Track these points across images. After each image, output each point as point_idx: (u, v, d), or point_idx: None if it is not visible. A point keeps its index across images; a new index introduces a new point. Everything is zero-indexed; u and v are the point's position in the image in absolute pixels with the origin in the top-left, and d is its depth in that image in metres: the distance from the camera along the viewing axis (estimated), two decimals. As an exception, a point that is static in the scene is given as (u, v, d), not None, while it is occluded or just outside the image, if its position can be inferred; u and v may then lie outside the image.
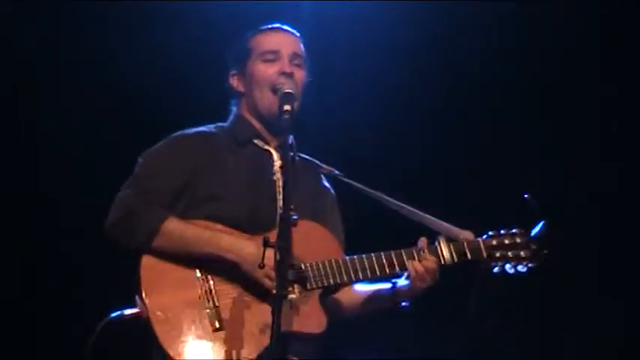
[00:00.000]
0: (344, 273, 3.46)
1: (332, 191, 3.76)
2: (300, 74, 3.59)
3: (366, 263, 3.48)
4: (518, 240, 3.56)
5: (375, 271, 3.48)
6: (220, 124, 3.70)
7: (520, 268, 3.55)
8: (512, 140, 5.20)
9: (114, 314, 3.49)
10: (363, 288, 3.65)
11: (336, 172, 3.71)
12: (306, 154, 3.69)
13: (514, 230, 3.59)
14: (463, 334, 3.61)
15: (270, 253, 3.14)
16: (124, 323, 3.46)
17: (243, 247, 3.39)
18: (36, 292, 5.26)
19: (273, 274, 3.15)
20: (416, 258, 3.49)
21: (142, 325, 3.42)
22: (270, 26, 3.68)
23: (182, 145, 3.59)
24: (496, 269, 3.56)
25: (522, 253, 3.55)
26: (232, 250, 3.40)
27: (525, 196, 3.48)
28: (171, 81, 5.21)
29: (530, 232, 3.56)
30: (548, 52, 5.16)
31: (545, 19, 5.11)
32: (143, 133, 5.23)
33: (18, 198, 5.28)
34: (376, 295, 3.62)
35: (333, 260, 3.47)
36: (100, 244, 3.59)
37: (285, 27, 3.69)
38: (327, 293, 3.54)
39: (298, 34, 3.69)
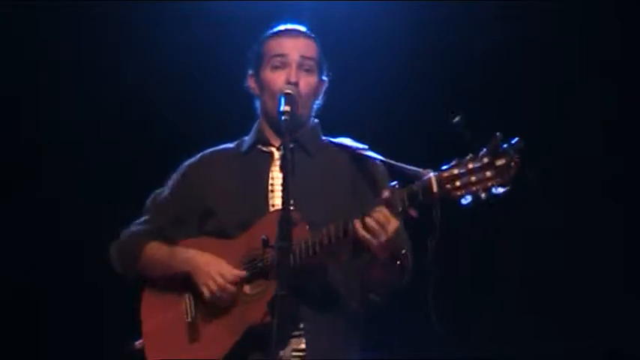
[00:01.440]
0: (301, 252, 3.28)
1: (367, 167, 3.61)
2: (309, 80, 3.55)
3: (316, 236, 3.29)
4: (485, 161, 3.11)
5: (323, 241, 3.27)
6: (245, 137, 3.71)
7: (493, 190, 3.09)
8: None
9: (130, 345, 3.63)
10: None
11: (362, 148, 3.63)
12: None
13: (481, 152, 3.14)
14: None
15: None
16: (135, 353, 3.59)
17: (198, 258, 3.46)
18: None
19: (218, 278, 3.33)
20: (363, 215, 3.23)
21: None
22: (281, 29, 3.65)
23: (180, 178, 3.67)
24: (464, 201, 3.14)
25: (488, 173, 3.10)
26: (187, 264, 3.47)
27: (455, 119, 3.12)
28: (172, 81, 5.22)
29: (496, 149, 3.11)
30: (548, 51, 5.16)
31: (546, 18, 5.11)
32: (144, 134, 5.30)
33: (19, 199, 5.30)
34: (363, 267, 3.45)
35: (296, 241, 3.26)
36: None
37: (298, 28, 3.65)
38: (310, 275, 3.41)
39: (310, 35, 3.65)
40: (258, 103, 3.68)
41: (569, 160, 5.13)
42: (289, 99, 3.39)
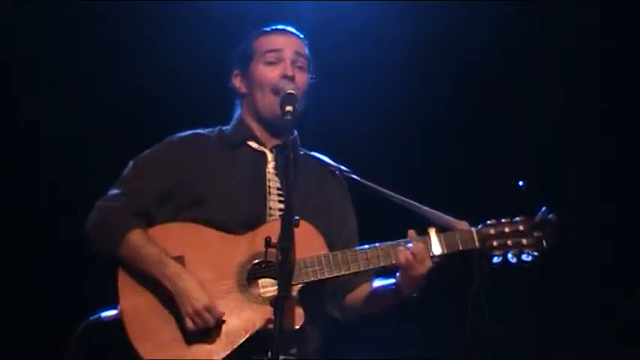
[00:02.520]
0: (325, 269, 3.39)
1: (340, 184, 3.70)
2: (302, 77, 3.57)
3: (348, 257, 3.41)
4: (521, 228, 3.41)
5: (358, 264, 3.40)
6: (223, 127, 3.69)
7: (524, 257, 3.40)
8: (513, 138, 5.20)
9: (93, 317, 3.53)
10: (371, 286, 3.61)
11: (343, 168, 3.68)
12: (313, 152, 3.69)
13: (516, 218, 3.44)
14: (464, 333, 3.47)
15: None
16: (103, 326, 3.50)
17: (180, 281, 3.39)
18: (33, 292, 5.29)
19: (205, 315, 3.31)
20: (402, 247, 3.39)
21: (119, 327, 3.45)
22: (273, 27, 3.66)
23: (170, 150, 3.60)
24: (496, 259, 3.41)
25: (525, 241, 3.40)
26: (171, 281, 3.39)
27: (520, 183, 3.37)
28: (171, 81, 5.21)
29: (533, 219, 3.42)
30: (548, 50, 5.16)
31: (546, 17, 5.10)
32: (143, 133, 5.29)
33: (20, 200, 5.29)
34: (381, 291, 3.55)
35: (315, 257, 3.40)
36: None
37: (289, 28, 3.67)
38: (317, 289, 3.48)
39: (302, 36, 3.66)
40: (241, 102, 3.65)
41: (569, 161, 5.14)
42: (292, 99, 3.38)
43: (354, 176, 3.65)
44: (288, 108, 3.34)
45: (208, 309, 3.34)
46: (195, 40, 5.18)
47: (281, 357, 3.23)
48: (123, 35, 5.19)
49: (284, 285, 2.97)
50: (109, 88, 5.21)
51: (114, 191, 3.55)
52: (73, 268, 5.18)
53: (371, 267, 3.42)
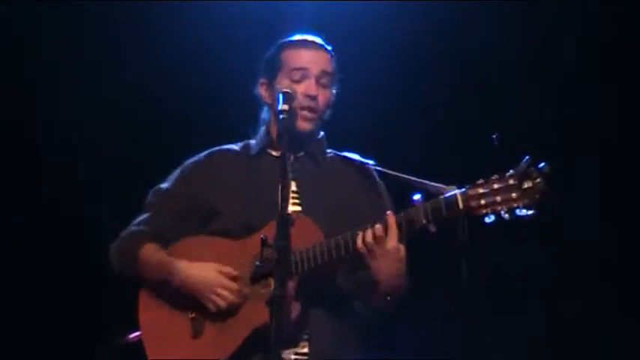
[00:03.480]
0: (311, 259, 3.32)
1: (368, 178, 3.65)
2: (326, 94, 3.58)
3: (324, 246, 3.33)
4: (511, 182, 3.17)
5: (332, 252, 3.32)
6: (251, 140, 3.72)
7: (517, 212, 3.15)
8: (513, 137, 5.18)
9: (118, 338, 3.79)
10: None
11: (366, 162, 3.65)
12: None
13: (508, 173, 3.19)
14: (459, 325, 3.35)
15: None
16: (128, 346, 3.69)
17: (187, 271, 3.46)
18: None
19: (223, 293, 3.36)
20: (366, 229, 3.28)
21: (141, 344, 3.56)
22: (302, 39, 3.63)
23: (187, 174, 3.66)
24: (488, 219, 3.18)
25: (514, 195, 3.15)
26: (178, 277, 3.47)
27: (493, 136, 3.17)
28: (171, 81, 5.21)
29: (519, 170, 3.17)
30: (548, 50, 5.16)
31: (546, 17, 5.10)
32: (144, 134, 5.30)
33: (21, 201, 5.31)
34: (364, 284, 3.48)
35: (304, 248, 3.34)
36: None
37: (317, 41, 3.63)
38: (323, 283, 3.45)
39: (328, 48, 3.64)
40: (266, 111, 3.68)
41: (567, 161, 5.12)
42: (287, 97, 3.38)
43: (378, 167, 3.61)
44: (284, 107, 3.34)
45: (224, 287, 3.39)
46: (195, 39, 5.19)
47: (287, 353, 3.30)
48: (123, 35, 5.20)
49: (280, 283, 2.97)
50: (109, 88, 5.22)
51: (137, 219, 3.66)
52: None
53: (337, 255, 3.32)
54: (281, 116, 3.33)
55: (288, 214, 3.08)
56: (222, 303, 3.40)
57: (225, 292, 3.41)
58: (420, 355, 4.76)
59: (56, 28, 5.15)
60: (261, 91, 3.64)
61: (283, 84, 3.52)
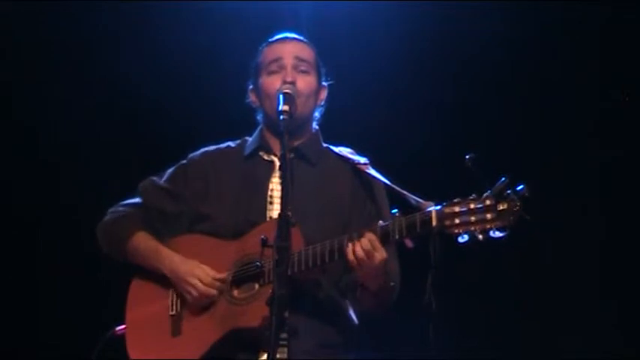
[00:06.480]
0: (295, 265, 3.30)
1: (361, 174, 3.61)
2: (306, 80, 3.57)
3: (310, 252, 3.32)
4: (487, 202, 3.13)
5: (316, 259, 3.32)
6: (248, 137, 3.72)
7: (491, 233, 3.11)
8: (513, 137, 5.19)
9: (111, 330, 3.70)
10: None
11: (357, 160, 3.63)
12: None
13: (486, 193, 3.14)
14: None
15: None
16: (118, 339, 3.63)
17: (175, 265, 3.49)
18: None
19: (198, 284, 3.39)
20: (354, 240, 3.26)
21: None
22: (276, 37, 3.67)
23: (181, 175, 3.68)
24: (462, 239, 3.15)
25: (489, 216, 3.11)
26: (164, 264, 3.51)
27: (467, 157, 3.11)
28: (170, 81, 5.22)
29: (495, 192, 3.12)
30: (548, 49, 5.17)
31: (546, 16, 5.11)
32: (144, 134, 5.31)
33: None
34: (351, 287, 3.50)
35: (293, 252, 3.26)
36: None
37: (291, 35, 3.66)
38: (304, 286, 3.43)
39: (305, 40, 3.66)
40: (259, 115, 3.68)
41: (568, 161, 5.14)
42: (288, 98, 3.39)
43: (368, 171, 3.57)
44: (284, 108, 3.34)
45: (200, 279, 3.42)
46: (194, 39, 5.19)
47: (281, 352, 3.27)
48: (123, 35, 5.21)
49: (280, 284, 2.97)
50: (109, 87, 5.23)
51: (127, 201, 3.66)
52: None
53: (322, 262, 3.32)
54: (282, 117, 3.33)
55: (289, 215, 3.07)
56: (194, 292, 3.42)
57: (199, 284, 3.42)
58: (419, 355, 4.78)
59: (56, 28, 5.16)
60: (251, 97, 3.68)
61: (264, 81, 3.56)
